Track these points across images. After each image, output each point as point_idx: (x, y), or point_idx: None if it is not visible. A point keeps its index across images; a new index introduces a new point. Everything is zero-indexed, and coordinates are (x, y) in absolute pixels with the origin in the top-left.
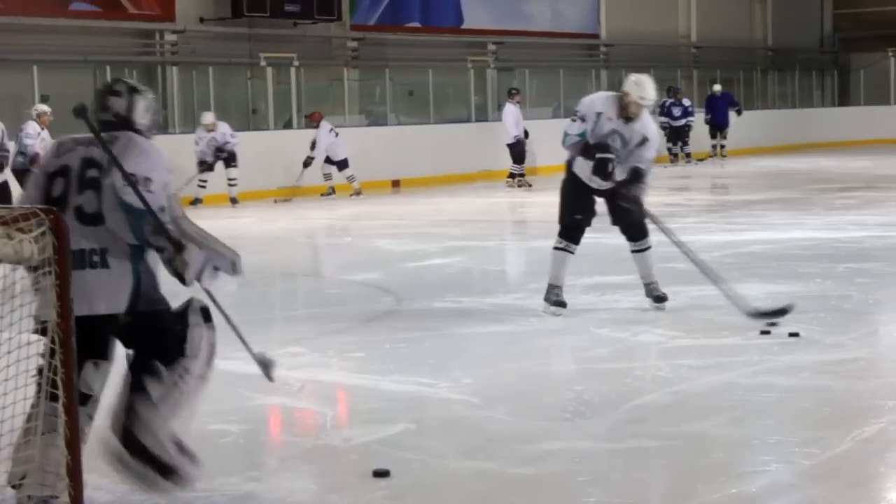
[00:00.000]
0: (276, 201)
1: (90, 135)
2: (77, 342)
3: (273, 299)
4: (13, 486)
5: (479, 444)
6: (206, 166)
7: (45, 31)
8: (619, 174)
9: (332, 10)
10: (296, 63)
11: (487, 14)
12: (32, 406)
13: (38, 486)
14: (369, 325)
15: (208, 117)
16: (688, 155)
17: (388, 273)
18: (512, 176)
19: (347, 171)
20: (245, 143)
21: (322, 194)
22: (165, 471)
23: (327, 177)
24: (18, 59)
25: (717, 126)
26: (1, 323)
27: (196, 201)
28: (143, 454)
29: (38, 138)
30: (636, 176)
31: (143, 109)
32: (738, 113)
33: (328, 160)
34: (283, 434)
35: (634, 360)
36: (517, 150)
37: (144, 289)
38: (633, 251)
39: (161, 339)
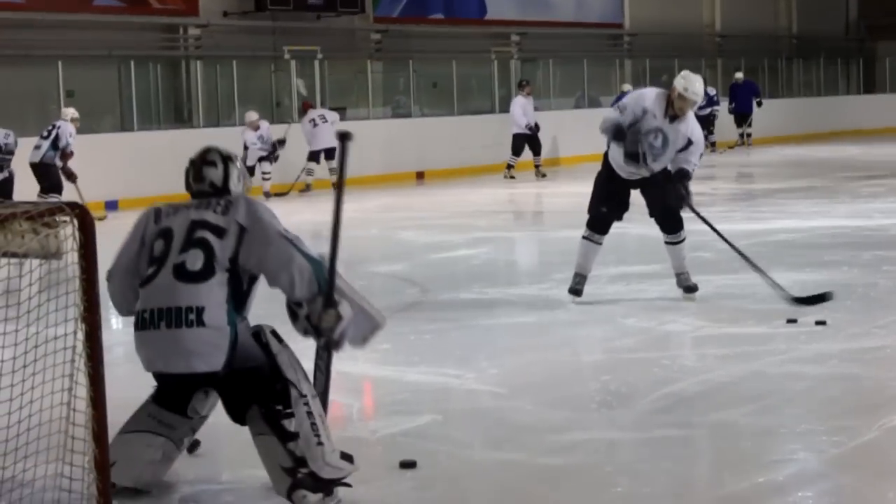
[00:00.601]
0: (302, 189)
1: (190, 201)
2: (178, 391)
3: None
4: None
5: (506, 434)
6: (269, 157)
7: (70, 26)
8: (657, 166)
9: (356, 3)
10: (319, 56)
11: (511, 5)
12: None
13: (125, 477)
14: (395, 316)
15: (254, 115)
16: (713, 144)
17: (413, 264)
18: (510, 166)
19: (310, 165)
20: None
21: (299, 190)
22: (339, 482)
23: (309, 172)
24: (43, 55)
25: (741, 114)
26: (29, 317)
27: (267, 194)
28: (331, 484)
29: (74, 139)
30: (682, 176)
31: (236, 178)
32: (759, 104)
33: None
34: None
35: (661, 350)
36: (520, 142)
37: (241, 346)
38: (668, 243)
39: (265, 384)
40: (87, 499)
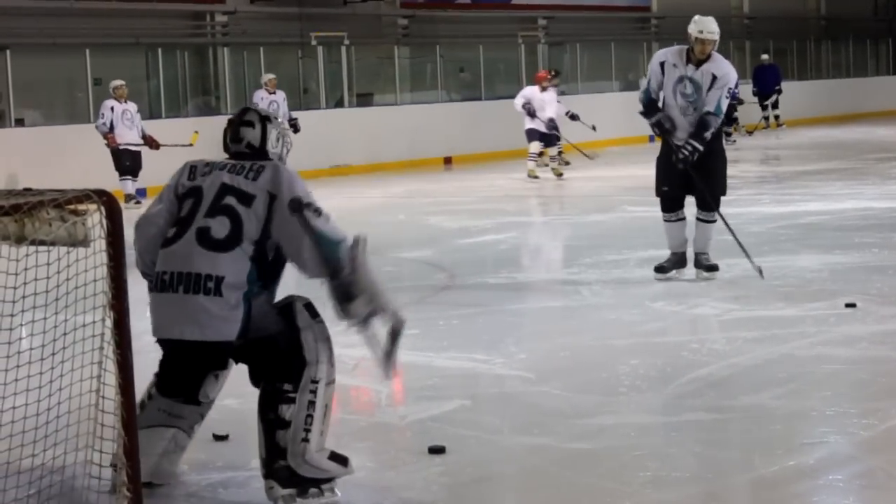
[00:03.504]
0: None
1: (225, 160)
2: (191, 361)
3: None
4: (113, 467)
5: (535, 419)
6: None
7: (97, 14)
8: (692, 123)
9: None
10: (346, 42)
11: None
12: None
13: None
14: (423, 301)
15: (270, 75)
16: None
17: (441, 250)
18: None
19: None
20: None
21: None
22: (327, 482)
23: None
24: (71, 43)
25: (764, 94)
26: (57, 304)
27: None
28: (308, 483)
29: (111, 114)
30: (701, 125)
31: (274, 139)
32: (779, 91)
33: None
34: (339, 412)
35: (690, 334)
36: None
37: (255, 317)
38: (699, 219)
39: (279, 359)
40: (117, 486)
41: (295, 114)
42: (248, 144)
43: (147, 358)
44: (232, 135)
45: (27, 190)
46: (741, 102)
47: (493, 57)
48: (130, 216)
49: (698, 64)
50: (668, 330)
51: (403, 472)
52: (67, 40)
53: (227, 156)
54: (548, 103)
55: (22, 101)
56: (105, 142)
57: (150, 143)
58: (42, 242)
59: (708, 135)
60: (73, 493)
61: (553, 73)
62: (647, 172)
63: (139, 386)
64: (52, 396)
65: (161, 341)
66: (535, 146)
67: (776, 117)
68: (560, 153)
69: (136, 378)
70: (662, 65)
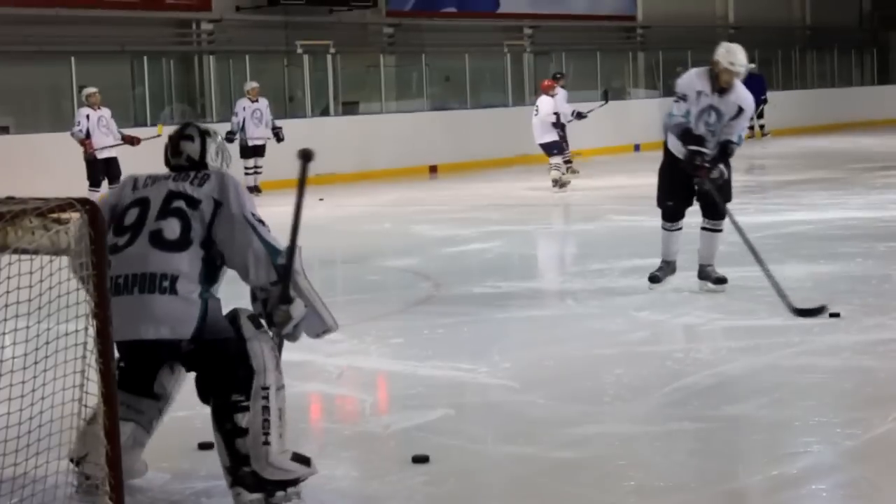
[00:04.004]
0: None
1: (168, 172)
2: (147, 359)
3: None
4: (74, 462)
5: (519, 428)
6: (246, 143)
7: (83, 22)
8: (714, 141)
9: None
10: (332, 50)
11: None
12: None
13: (97, 468)
14: (408, 310)
15: (254, 83)
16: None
17: (426, 258)
18: (568, 161)
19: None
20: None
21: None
22: (292, 483)
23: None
24: (56, 51)
25: None
26: (40, 313)
27: (254, 189)
28: (274, 485)
29: (87, 122)
30: (724, 152)
31: (214, 152)
32: (764, 101)
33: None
34: (323, 421)
35: (674, 343)
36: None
37: (210, 318)
38: (704, 228)
39: (228, 366)
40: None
41: (280, 122)
42: (187, 157)
43: None
44: (172, 149)
45: (10, 198)
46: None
47: (479, 65)
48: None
49: (721, 92)
50: (652, 339)
51: (387, 482)
52: (52, 48)
53: (167, 170)
54: (563, 106)
55: (6, 109)
56: (82, 149)
57: (130, 140)
58: (25, 251)
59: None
60: (55, 501)
61: (559, 75)
62: (632, 182)
63: None
64: (35, 405)
65: (119, 343)
66: (559, 157)
67: (761, 127)
68: (569, 161)
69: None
70: (699, 94)
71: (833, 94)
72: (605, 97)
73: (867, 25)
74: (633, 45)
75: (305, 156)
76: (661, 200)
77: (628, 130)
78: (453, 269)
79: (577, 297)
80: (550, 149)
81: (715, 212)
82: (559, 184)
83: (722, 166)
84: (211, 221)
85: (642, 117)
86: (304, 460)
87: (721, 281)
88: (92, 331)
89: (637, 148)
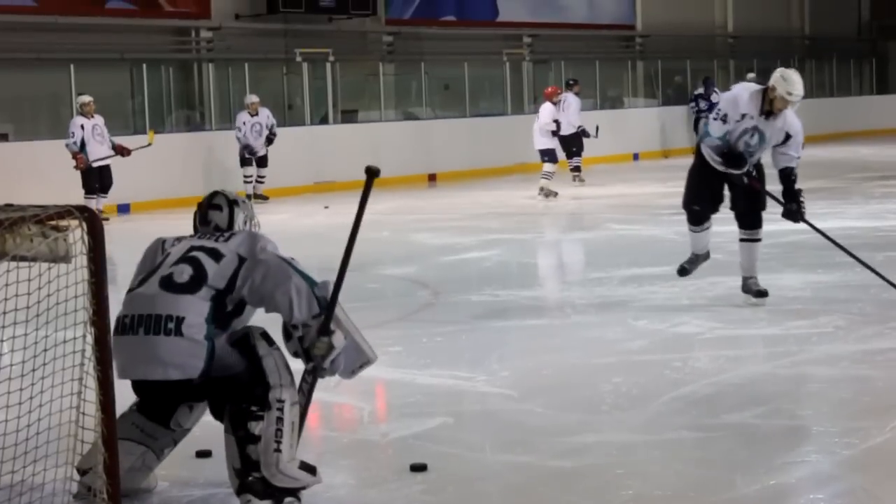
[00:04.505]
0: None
1: (191, 234)
2: (161, 397)
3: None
4: (80, 471)
5: (517, 437)
6: (252, 155)
7: (82, 29)
8: (752, 161)
9: (367, 5)
10: (331, 58)
11: (523, 7)
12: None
13: (100, 482)
14: (407, 319)
15: (254, 97)
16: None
17: (425, 267)
18: (576, 169)
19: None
20: (282, 138)
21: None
22: (297, 491)
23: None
24: (55, 59)
25: None
26: (38, 321)
27: (259, 197)
28: (283, 493)
29: (81, 132)
30: (788, 181)
31: (241, 221)
32: None
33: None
34: (321, 429)
35: (672, 352)
36: (579, 142)
37: (218, 356)
38: (743, 239)
39: (243, 389)
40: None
41: (279, 130)
42: (215, 227)
43: None
44: (201, 218)
45: (8, 205)
46: None
47: (478, 74)
48: (110, 232)
49: (768, 115)
50: (650, 348)
51: (385, 490)
52: (51, 55)
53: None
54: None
55: (5, 116)
56: (74, 162)
57: (121, 151)
58: (23, 258)
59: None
60: None
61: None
62: (631, 190)
63: (119, 402)
64: (33, 412)
65: (131, 381)
66: (552, 165)
67: None
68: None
69: (117, 394)
70: (743, 117)
71: (831, 103)
72: (597, 132)
73: (866, 35)
74: (632, 53)
75: (372, 173)
76: (688, 203)
77: (627, 139)
78: (452, 277)
79: (575, 306)
80: (543, 156)
81: (750, 221)
82: (544, 192)
83: (802, 199)
84: (235, 274)
85: (641, 126)
86: (310, 469)
87: (762, 294)
88: (90, 338)
89: (636, 157)
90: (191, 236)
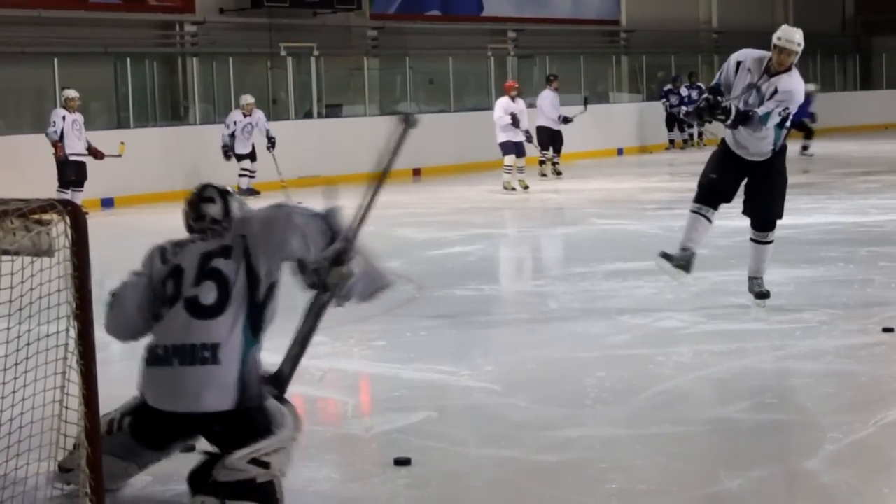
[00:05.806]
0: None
1: (194, 235)
2: (173, 428)
3: (294, 289)
4: (62, 469)
5: (501, 431)
6: (228, 158)
7: (66, 23)
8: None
9: (352, 0)
10: (316, 53)
11: (507, 2)
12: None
13: (83, 476)
14: (390, 313)
15: (249, 98)
16: (700, 136)
17: (409, 261)
18: (542, 162)
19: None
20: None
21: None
22: (249, 484)
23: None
24: (39, 52)
25: None
26: (21, 314)
27: (250, 192)
28: (228, 488)
29: (62, 123)
30: (745, 115)
31: (236, 209)
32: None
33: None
34: (305, 423)
35: (656, 346)
36: (547, 136)
37: (249, 383)
38: (753, 240)
39: (251, 433)
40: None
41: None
42: (211, 220)
43: (111, 368)
44: (194, 214)
45: None
46: (814, 120)
47: (463, 69)
48: (92, 226)
49: (772, 74)
50: (634, 343)
51: (369, 484)
52: (35, 49)
53: (189, 236)
54: (522, 113)
55: None
56: (53, 150)
57: (95, 153)
58: (6, 252)
59: (732, 122)
60: (36, 502)
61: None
62: (615, 185)
63: (103, 396)
64: (16, 406)
65: (153, 409)
66: (511, 159)
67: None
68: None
69: (100, 388)
70: (739, 64)
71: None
72: (585, 104)
73: (850, 31)
74: (617, 49)
75: (409, 121)
76: (706, 173)
77: (611, 134)
78: (436, 271)
79: (559, 301)
80: (501, 149)
81: (763, 223)
82: (507, 187)
83: (730, 106)
84: (246, 256)
85: (625, 121)
86: (262, 464)
87: (763, 296)
88: (73, 332)
89: (620, 152)
90: (191, 240)
